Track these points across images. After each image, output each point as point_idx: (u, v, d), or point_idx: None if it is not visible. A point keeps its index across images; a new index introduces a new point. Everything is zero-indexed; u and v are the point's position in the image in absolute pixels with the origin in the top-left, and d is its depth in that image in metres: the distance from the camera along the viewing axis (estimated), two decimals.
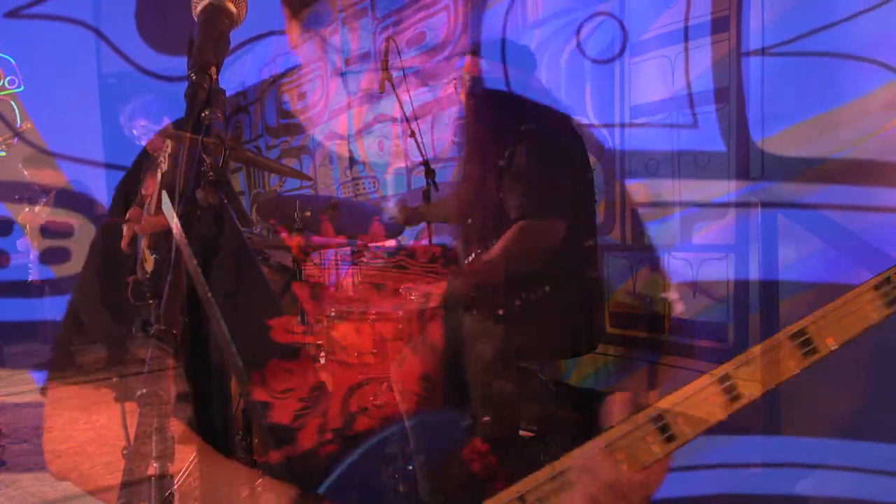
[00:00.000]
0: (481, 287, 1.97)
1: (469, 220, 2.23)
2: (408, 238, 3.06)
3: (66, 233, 4.73)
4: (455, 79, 2.30)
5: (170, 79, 3.25)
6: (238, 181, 5.92)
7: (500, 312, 1.98)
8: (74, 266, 4.70)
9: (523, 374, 2.01)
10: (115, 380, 4.59)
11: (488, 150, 2.14)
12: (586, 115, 2.71)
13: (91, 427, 3.50)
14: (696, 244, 2.37)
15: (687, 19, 2.34)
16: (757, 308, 2.17)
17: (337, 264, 2.65)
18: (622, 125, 2.59)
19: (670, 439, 0.91)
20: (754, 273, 2.17)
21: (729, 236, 2.24)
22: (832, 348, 0.88)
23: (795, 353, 0.90)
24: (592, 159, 2.55)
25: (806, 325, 0.90)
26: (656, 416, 0.92)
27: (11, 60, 5.80)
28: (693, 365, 2.38)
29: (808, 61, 1.99)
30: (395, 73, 2.76)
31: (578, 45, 2.69)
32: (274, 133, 5.42)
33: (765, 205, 2.13)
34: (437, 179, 2.69)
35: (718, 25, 2.25)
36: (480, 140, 2.20)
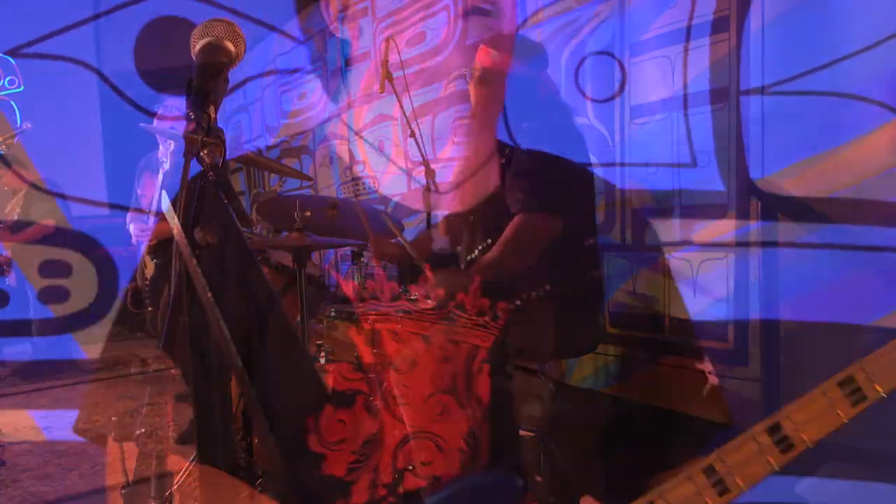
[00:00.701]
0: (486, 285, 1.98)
1: (472, 217, 2.24)
2: (407, 237, 3.05)
3: (39, 232, 4.64)
4: (465, 70, 2.30)
5: (171, 118, 3.28)
6: (238, 181, 5.92)
7: (500, 314, 1.98)
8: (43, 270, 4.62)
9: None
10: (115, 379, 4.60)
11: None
12: (586, 115, 2.71)
13: (91, 427, 3.50)
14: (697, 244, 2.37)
15: (686, 58, 2.34)
16: (757, 308, 2.17)
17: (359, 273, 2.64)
18: (622, 164, 2.60)
19: (724, 493, 0.89)
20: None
21: (728, 277, 2.24)
22: (881, 395, 0.87)
23: (845, 401, 0.88)
24: (593, 158, 2.55)
25: (854, 373, 0.89)
26: (708, 469, 0.90)
27: (11, 60, 5.80)
28: (693, 365, 2.38)
29: (807, 100, 1.99)
30: (395, 73, 2.76)
31: (577, 83, 2.68)
32: (274, 133, 5.42)
33: (765, 244, 2.13)
34: (437, 179, 2.69)
35: (717, 66, 2.25)
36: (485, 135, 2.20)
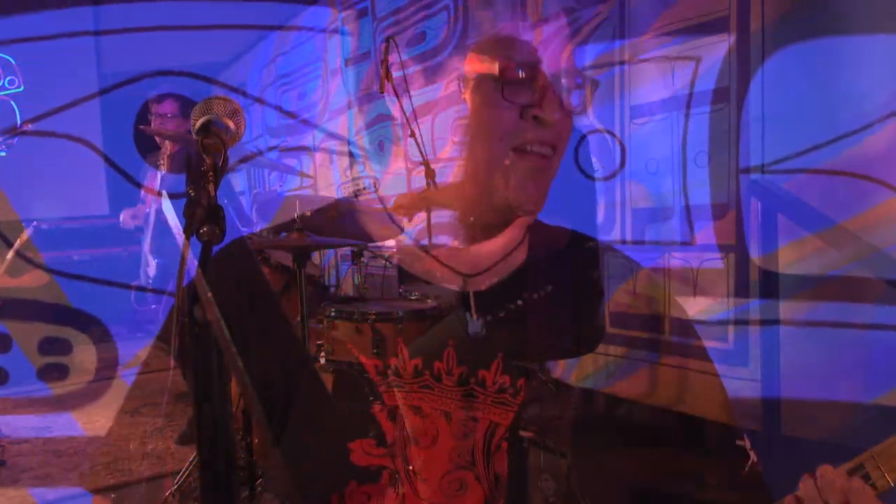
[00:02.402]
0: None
1: (472, 219, 2.22)
2: (408, 238, 3.05)
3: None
4: (458, 77, 2.27)
5: (171, 196, 3.29)
6: (238, 181, 5.92)
7: (501, 314, 1.97)
8: None
9: None
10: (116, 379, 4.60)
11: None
12: (586, 115, 2.71)
13: (91, 427, 3.50)
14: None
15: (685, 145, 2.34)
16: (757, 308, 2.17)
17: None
18: (623, 242, 2.61)
19: None
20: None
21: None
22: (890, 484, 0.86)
23: None
24: (594, 160, 2.55)
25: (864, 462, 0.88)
26: None
27: (12, 60, 5.80)
28: (693, 365, 2.37)
29: (806, 178, 1.98)
30: (395, 73, 2.75)
31: (577, 162, 2.67)
32: (274, 133, 5.42)
33: (764, 322, 2.12)
34: (437, 179, 2.68)
35: (717, 147, 2.25)
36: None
